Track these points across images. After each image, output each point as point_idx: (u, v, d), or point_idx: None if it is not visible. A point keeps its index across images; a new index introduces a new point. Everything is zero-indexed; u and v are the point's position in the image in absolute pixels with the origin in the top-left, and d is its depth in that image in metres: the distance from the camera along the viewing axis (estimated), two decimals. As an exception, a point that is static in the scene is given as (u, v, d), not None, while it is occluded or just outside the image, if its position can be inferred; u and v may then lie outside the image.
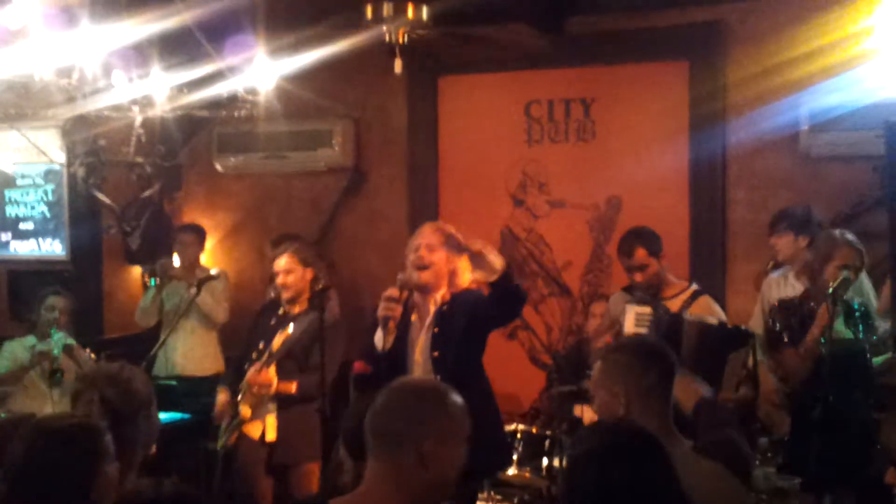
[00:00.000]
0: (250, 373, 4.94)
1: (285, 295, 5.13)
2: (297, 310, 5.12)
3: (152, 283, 6.24)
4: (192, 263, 6.49)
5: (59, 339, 5.73)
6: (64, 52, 3.98)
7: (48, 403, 5.74)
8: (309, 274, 5.12)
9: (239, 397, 4.98)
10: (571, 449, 2.57)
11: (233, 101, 4.24)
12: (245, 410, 4.95)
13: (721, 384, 4.49)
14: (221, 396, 5.13)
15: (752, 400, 4.71)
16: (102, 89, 4.07)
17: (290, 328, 4.96)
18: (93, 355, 6.18)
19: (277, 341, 4.96)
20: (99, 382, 3.10)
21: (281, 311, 5.15)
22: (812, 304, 4.64)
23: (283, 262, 5.13)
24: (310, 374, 4.91)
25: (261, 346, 5.07)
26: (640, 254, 4.92)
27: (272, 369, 4.90)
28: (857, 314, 4.50)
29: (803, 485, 4.25)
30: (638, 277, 4.93)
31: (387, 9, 5.11)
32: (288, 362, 4.98)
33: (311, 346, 4.95)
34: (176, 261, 6.58)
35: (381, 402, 2.53)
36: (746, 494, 3.07)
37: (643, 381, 2.98)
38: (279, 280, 5.13)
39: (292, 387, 4.94)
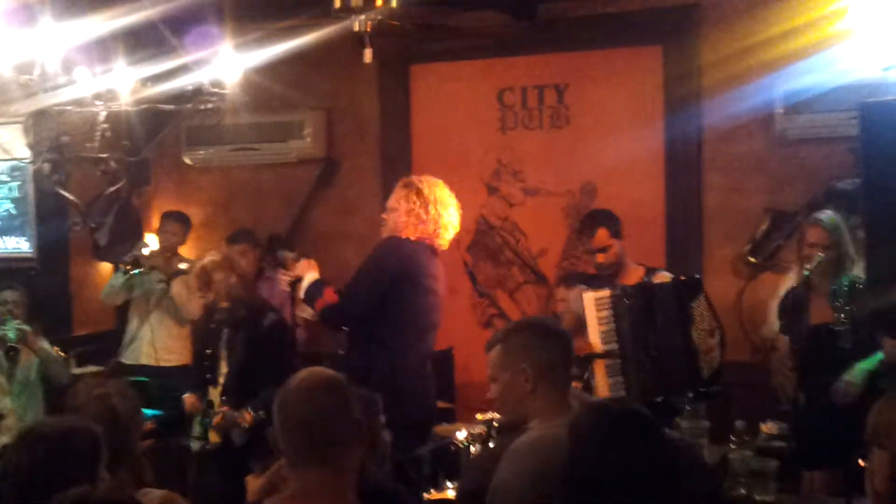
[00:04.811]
0: (217, 419, 5.00)
1: (224, 305, 5.17)
2: (233, 315, 5.14)
3: (136, 273, 6.16)
4: (171, 253, 6.44)
5: (14, 324, 5.67)
6: (25, 48, 3.89)
7: (7, 397, 5.68)
8: (210, 293, 5.17)
9: (211, 421, 5.00)
10: (571, 428, 2.58)
11: (199, 94, 4.16)
12: (214, 437, 4.96)
13: (693, 338, 4.52)
14: (189, 399, 5.17)
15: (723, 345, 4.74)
16: (65, 84, 3.98)
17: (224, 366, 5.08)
18: (61, 353, 6.10)
19: (223, 368, 5.11)
20: (110, 391, 3.21)
21: (219, 316, 5.18)
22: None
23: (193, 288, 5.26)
24: (265, 392, 4.94)
25: (208, 351, 5.09)
26: (602, 234, 4.96)
27: (247, 415, 4.91)
28: (845, 290, 4.47)
29: (784, 463, 4.26)
30: (600, 258, 4.95)
31: (355, -3, 5.03)
32: (240, 380, 5.00)
33: (255, 360, 4.97)
34: (154, 244, 6.53)
35: (313, 407, 2.51)
36: None
37: (546, 357, 3.04)
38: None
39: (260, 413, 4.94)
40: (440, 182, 4.83)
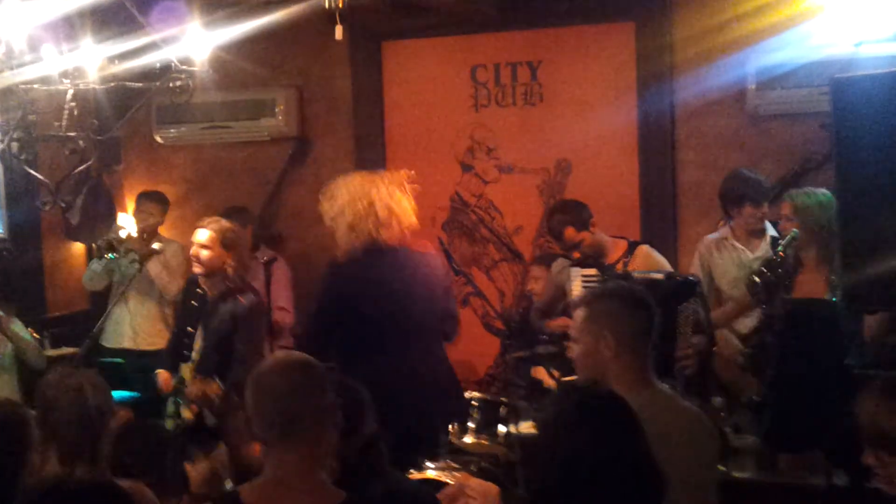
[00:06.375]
0: (190, 389, 4.88)
1: (196, 269, 5.01)
2: (213, 291, 5.02)
3: (111, 257, 6.09)
4: (150, 233, 6.38)
5: None
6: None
7: None
8: (227, 258, 4.98)
9: (181, 402, 4.93)
10: (541, 412, 2.56)
11: (168, 71, 4.11)
12: (188, 413, 4.89)
13: (675, 339, 4.51)
14: (163, 376, 5.09)
15: (710, 348, 4.74)
16: (31, 62, 3.92)
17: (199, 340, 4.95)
18: (35, 335, 6.05)
19: (196, 343, 4.97)
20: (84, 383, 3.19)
21: (200, 291, 5.07)
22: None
23: (203, 236, 4.97)
24: (236, 368, 4.86)
25: (190, 330, 5.01)
26: (570, 233, 4.94)
27: (214, 385, 4.81)
28: None
29: (763, 443, 4.29)
30: (576, 255, 4.93)
31: (325, -27, 4.98)
32: (213, 355, 4.92)
33: (231, 336, 4.89)
34: (129, 225, 6.45)
35: (285, 382, 2.54)
36: (718, 440, 3.15)
37: (629, 327, 3.01)
38: (192, 251, 4.98)
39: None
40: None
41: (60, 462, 2.98)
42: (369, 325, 4.45)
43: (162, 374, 5.16)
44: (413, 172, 4.72)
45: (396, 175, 4.65)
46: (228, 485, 3.15)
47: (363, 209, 4.46)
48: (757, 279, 4.57)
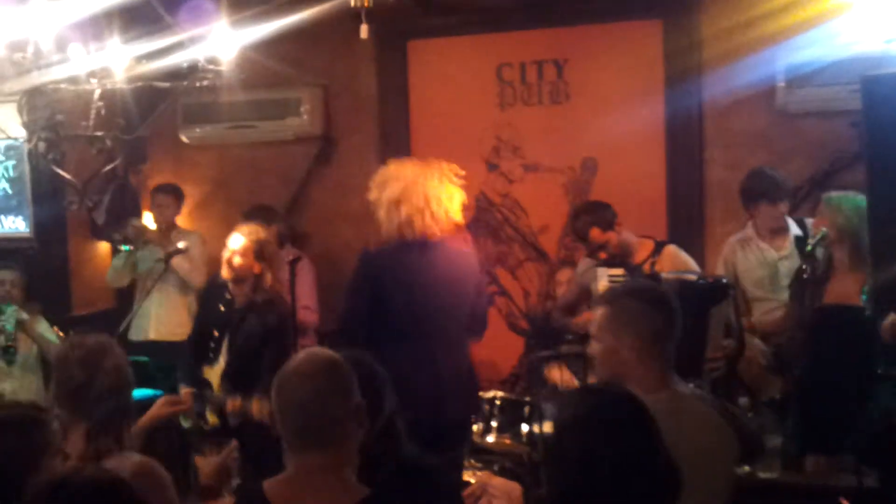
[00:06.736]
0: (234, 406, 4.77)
1: (224, 274, 4.95)
2: (242, 299, 4.98)
3: (125, 248, 6.11)
4: (168, 226, 6.40)
5: (12, 313, 5.59)
6: (18, 25, 3.84)
7: (7, 380, 5.65)
8: (257, 268, 4.94)
9: (207, 409, 4.88)
10: (557, 414, 2.54)
11: (195, 71, 4.11)
12: (213, 418, 4.87)
13: (706, 342, 4.47)
14: (185, 392, 5.01)
15: (739, 352, 4.70)
16: (58, 62, 3.94)
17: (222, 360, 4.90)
18: (61, 333, 6.07)
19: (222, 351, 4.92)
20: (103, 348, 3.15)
21: (228, 296, 5.01)
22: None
23: (237, 243, 4.93)
24: (266, 379, 4.80)
25: (215, 333, 4.96)
26: (595, 234, 4.94)
27: (255, 404, 4.71)
28: None
29: (789, 443, 4.25)
30: (602, 255, 4.92)
31: (351, -28, 4.97)
32: (244, 369, 4.89)
33: (261, 350, 4.83)
34: (151, 223, 6.47)
35: (310, 388, 2.50)
36: (736, 445, 3.05)
37: (653, 327, 2.96)
38: (225, 254, 4.94)
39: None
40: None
41: (87, 438, 2.94)
42: (397, 314, 4.39)
43: (186, 393, 5.08)
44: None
45: (446, 167, 4.51)
46: (236, 481, 3.13)
47: (418, 201, 4.34)
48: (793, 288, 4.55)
